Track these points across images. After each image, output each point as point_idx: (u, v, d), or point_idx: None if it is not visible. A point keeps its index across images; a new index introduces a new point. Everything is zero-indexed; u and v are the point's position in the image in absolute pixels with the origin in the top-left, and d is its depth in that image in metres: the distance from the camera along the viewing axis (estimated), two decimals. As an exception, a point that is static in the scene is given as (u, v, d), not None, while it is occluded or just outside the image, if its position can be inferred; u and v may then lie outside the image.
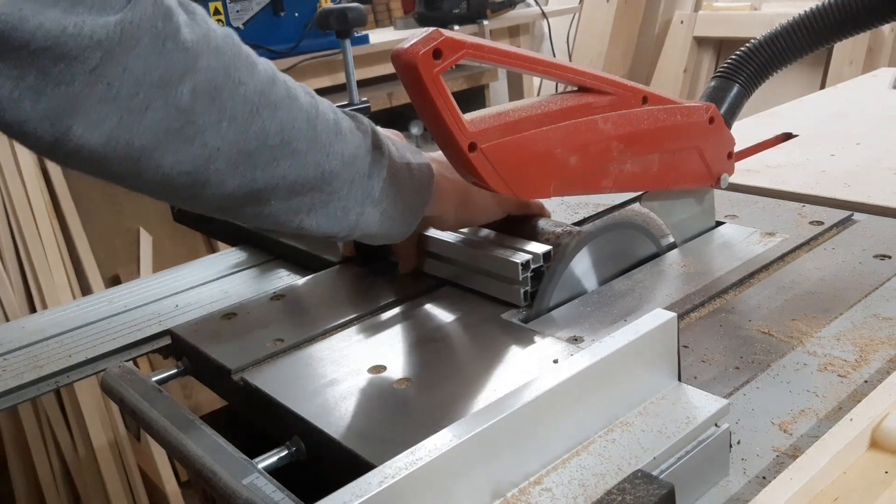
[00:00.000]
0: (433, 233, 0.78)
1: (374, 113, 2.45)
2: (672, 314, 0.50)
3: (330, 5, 1.29)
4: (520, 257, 0.69)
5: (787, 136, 1.22)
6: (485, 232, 0.77)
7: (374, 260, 0.85)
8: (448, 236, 0.77)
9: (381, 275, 0.82)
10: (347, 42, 1.31)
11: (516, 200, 0.76)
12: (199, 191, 0.57)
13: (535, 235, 0.74)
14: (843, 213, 0.87)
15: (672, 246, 0.83)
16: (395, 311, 0.74)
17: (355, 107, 1.20)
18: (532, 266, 0.70)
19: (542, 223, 0.76)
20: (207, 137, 0.54)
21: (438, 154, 0.69)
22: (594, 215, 0.94)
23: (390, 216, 0.66)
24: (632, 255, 0.79)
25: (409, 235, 0.69)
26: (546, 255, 0.70)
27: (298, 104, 0.59)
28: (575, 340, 0.65)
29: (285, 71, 2.41)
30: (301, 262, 0.91)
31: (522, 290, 0.70)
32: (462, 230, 0.78)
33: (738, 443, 0.52)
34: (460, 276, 0.76)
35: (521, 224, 0.76)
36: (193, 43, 0.52)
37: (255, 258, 0.96)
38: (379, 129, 0.67)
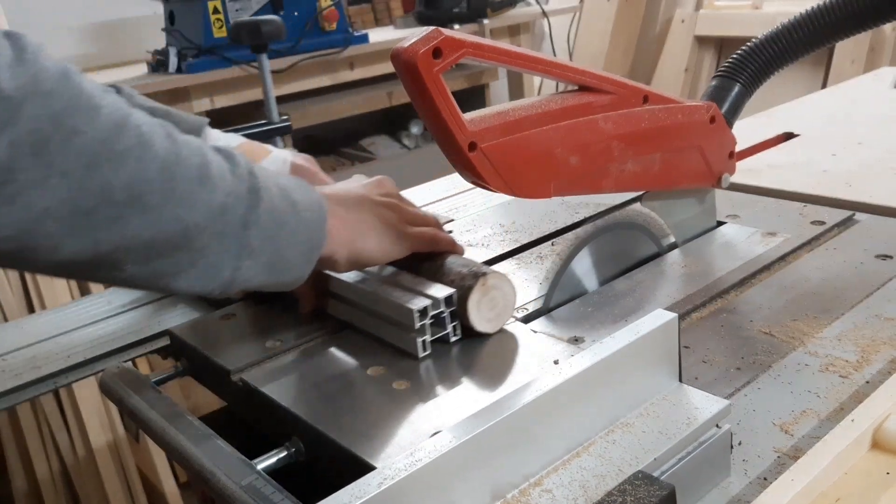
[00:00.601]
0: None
1: (374, 113, 2.45)
2: (673, 315, 0.50)
3: (246, 18, 1.19)
4: (418, 303, 0.62)
5: (789, 136, 1.22)
6: (390, 270, 0.69)
7: (274, 298, 0.75)
8: (349, 275, 0.69)
9: (283, 313, 0.73)
10: (263, 57, 1.20)
11: (421, 237, 0.69)
12: (30, 256, 0.50)
13: (442, 276, 0.66)
14: (845, 213, 0.87)
15: (673, 246, 0.82)
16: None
17: (275, 125, 1.12)
18: (431, 313, 0.61)
19: (450, 261, 0.68)
20: (32, 197, 0.47)
21: (331, 188, 0.66)
22: (594, 215, 0.94)
23: (276, 266, 0.59)
24: (632, 256, 0.78)
25: (304, 280, 0.62)
26: (448, 300, 0.62)
27: (152, 152, 0.51)
28: (576, 341, 0.65)
29: (285, 70, 2.40)
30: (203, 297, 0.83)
31: (420, 340, 0.61)
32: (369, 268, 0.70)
33: (740, 444, 0.52)
34: (360, 320, 0.68)
35: (431, 262, 0.69)
36: (15, 89, 0.46)
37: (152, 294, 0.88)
38: (261, 168, 0.59)
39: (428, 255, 0.70)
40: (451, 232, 0.93)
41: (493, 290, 0.64)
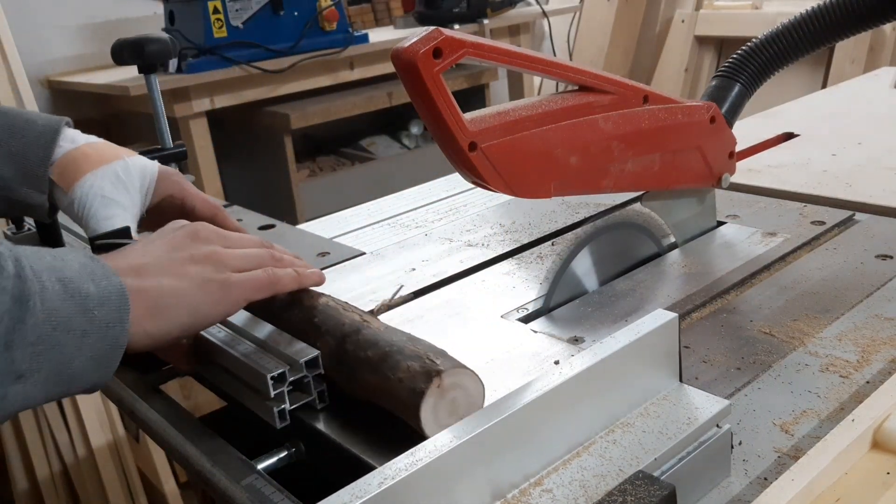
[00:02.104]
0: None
1: (374, 113, 2.45)
2: (673, 315, 0.50)
3: (130, 36, 1.06)
4: (273, 367, 0.54)
5: (789, 136, 1.22)
6: (266, 327, 0.60)
7: (152, 365, 0.69)
8: (213, 330, 0.61)
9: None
10: (152, 77, 1.08)
11: (252, 282, 0.58)
12: None
13: (312, 329, 0.57)
14: (845, 213, 0.87)
15: (673, 246, 0.82)
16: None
17: (168, 151, 1.03)
18: (290, 378, 0.54)
19: (327, 306, 0.58)
20: None
21: (126, 257, 0.56)
22: (594, 215, 0.94)
23: (61, 380, 0.49)
24: (633, 255, 0.78)
25: (109, 379, 0.52)
26: (311, 363, 0.54)
27: None
28: (576, 341, 0.65)
29: (285, 70, 2.40)
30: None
31: (277, 410, 0.53)
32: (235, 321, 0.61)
33: (740, 443, 0.52)
34: (225, 383, 0.60)
35: (305, 308, 0.59)
36: None
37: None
38: (39, 258, 0.49)
39: (301, 297, 0.60)
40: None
41: (452, 390, 0.49)
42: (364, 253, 0.91)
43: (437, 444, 0.41)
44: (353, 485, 0.39)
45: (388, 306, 0.74)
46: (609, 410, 0.48)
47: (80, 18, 2.44)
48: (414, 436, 0.47)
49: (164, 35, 1.05)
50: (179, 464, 0.58)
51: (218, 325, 0.61)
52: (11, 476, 1.75)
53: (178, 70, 2.07)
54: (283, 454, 0.56)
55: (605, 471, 0.44)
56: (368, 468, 0.41)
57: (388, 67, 2.41)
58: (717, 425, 0.48)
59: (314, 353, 0.55)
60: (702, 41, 3.02)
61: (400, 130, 2.74)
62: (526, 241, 0.88)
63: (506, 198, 1.02)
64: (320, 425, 0.55)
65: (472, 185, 0.65)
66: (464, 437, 0.41)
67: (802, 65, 2.62)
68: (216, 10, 2.10)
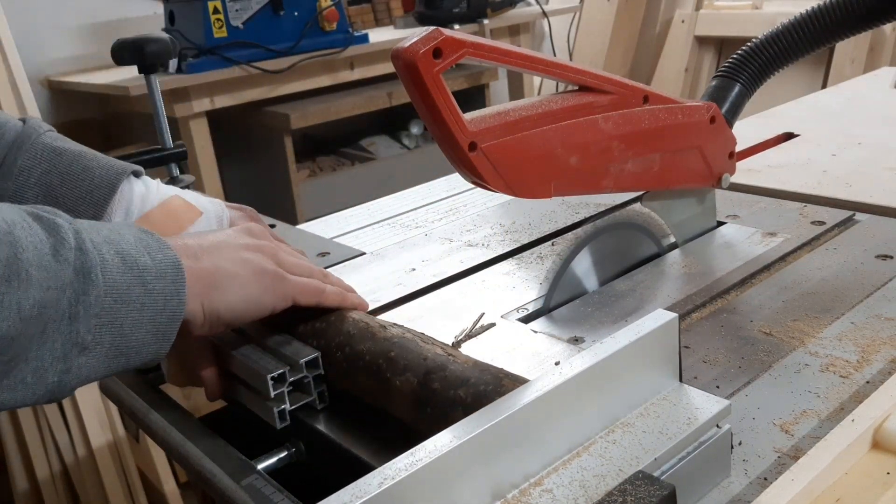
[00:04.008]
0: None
1: (374, 113, 2.45)
2: (673, 315, 0.50)
3: (130, 36, 1.06)
4: (273, 367, 0.55)
5: (789, 136, 1.22)
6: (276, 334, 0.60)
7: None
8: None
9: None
10: (152, 78, 1.03)
11: (304, 287, 0.59)
12: None
13: (388, 363, 0.54)
14: (845, 213, 0.87)
15: (673, 246, 0.82)
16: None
17: (168, 151, 1.02)
18: (290, 379, 0.55)
19: (403, 338, 0.55)
20: None
21: (182, 238, 0.56)
22: (594, 215, 0.94)
23: (121, 353, 0.49)
24: (633, 256, 0.78)
25: (163, 357, 0.53)
26: (311, 363, 0.56)
27: None
28: (576, 341, 0.65)
29: (285, 70, 2.40)
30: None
31: (277, 410, 0.55)
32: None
33: (740, 443, 0.52)
34: (230, 387, 0.61)
35: (379, 340, 0.56)
36: None
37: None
38: (96, 231, 0.50)
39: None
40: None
41: None
42: (364, 253, 0.91)
43: (437, 444, 0.41)
44: (353, 485, 0.39)
45: (469, 335, 0.67)
46: (609, 410, 0.48)
47: (80, 19, 2.44)
48: (413, 436, 0.47)
49: (165, 35, 1.05)
50: (179, 464, 0.59)
51: None
52: (11, 476, 1.75)
53: (178, 70, 2.07)
54: (283, 454, 0.56)
55: (605, 471, 0.44)
56: (368, 468, 0.41)
57: (388, 67, 2.41)
58: (717, 425, 0.48)
59: (314, 353, 0.56)
60: (702, 41, 3.02)
61: (400, 130, 2.74)
62: (526, 241, 0.88)
63: (506, 198, 1.02)
64: (320, 425, 0.55)
65: (472, 185, 0.65)
66: (464, 437, 0.41)
67: (802, 65, 2.62)
68: (216, 11, 2.10)
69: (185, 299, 0.51)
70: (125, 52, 1.04)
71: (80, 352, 0.47)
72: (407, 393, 0.52)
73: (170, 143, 1.05)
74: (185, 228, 0.67)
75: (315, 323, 0.59)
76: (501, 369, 0.51)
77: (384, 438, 0.53)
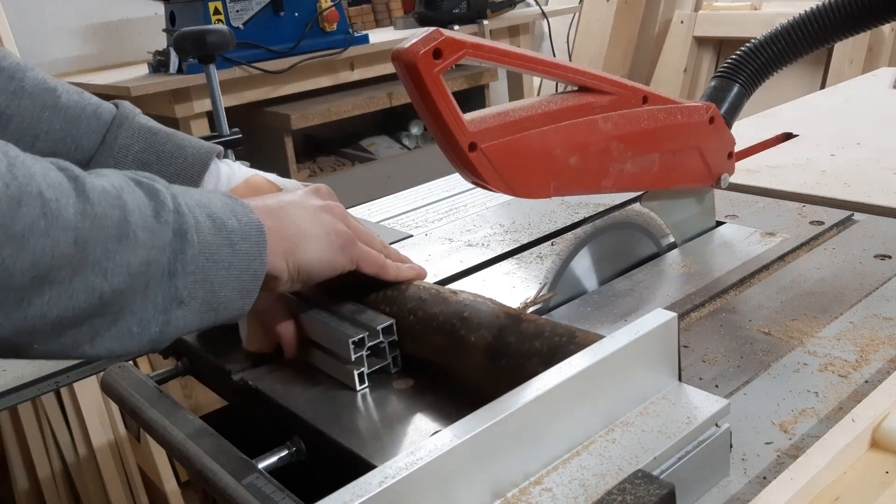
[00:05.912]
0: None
1: (374, 113, 2.45)
2: (672, 314, 0.50)
3: (190, 27, 1.11)
4: (353, 332, 0.58)
5: (788, 136, 1.22)
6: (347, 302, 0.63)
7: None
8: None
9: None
10: (211, 68, 1.10)
11: (368, 255, 0.63)
12: None
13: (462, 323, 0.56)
14: (844, 213, 0.87)
15: (672, 246, 0.83)
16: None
17: (225, 138, 1.06)
18: (368, 343, 0.58)
19: (475, 301, 0.59)
20: None
21: (261, 199, 0.60)
22: (594, 215, 0.94)
23: (212, 308, 0.53)
24: (632, 255, 0.79)
25: (247, 312, 0.56)
26: (387, 330, 0.59)
27: (61, 221, 0.44)
28: (575, 340, 0.65)
29: (286, 71, 2.38)
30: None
31: (357, 372, 0.58)
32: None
33: (739, 443, 0.52)
34: (304, 350, 0.64)
35: (451, 303, 0.59)
36: None
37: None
38: (189, 196, 0.53)
39: (438, 296, 0.61)
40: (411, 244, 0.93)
41: None
42: (411, 235, 0.91)
43: (437, 443, 0.41)
44: (353, 484, 0.39)
45: (532, 303, 0.68)
46: (608, 410, 0.48)
47: (81, 19, 2.44)
48: (413, 435, 0.47)
49: (224, 27, 1.09)
50: (180, 463, 0.59)
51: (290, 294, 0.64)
52: (12, 475, 1.76)
53: (179, 71, 2.07)
54: (283, 453, 0.56)
55: (604, 470, 0.45)
56: (368, 467, 0.41)
57: (388, 68, 2.41)
58: (717, 424, 0.48)
59: (389, 320, 0.59)
60: (701, 42, 3.02)
61: (400, 130, 2.74)
62: (526, 241, 0.89)
63: (506, 198, 1.03)
64: (320, 425, 0.55)
65: (472, 185, 0.66)
66: (464, 437, 0.41)
67: (802, 65, 2.62)
68: (217, 11, 2.10)
69: (266, 259, 0.55)
70: (187, 42, 1.09)
71: (177, 305, 0.51)
72: (481, 347, 0.55)
73: (227, 130, 1.08)
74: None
75: (387, 291, 0.63)
76: (573, 326, 0.53)
77: (384, 436, 0.53)
